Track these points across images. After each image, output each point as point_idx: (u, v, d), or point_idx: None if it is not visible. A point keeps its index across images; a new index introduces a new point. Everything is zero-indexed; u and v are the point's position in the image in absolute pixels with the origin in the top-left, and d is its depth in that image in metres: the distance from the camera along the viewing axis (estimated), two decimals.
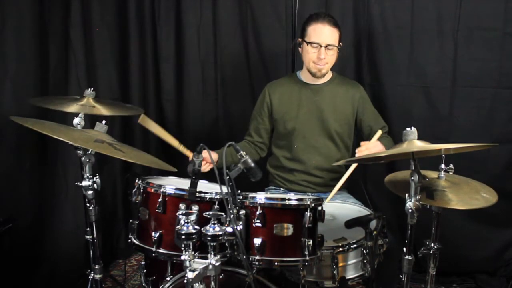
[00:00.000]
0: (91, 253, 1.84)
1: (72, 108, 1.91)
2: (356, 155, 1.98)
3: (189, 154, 2.00)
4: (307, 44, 2.15)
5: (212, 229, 1.35)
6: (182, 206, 1.46)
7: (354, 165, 2.02)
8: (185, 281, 1.31)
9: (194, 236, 1.34)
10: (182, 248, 1.34)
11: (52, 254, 2.52)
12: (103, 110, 1.92)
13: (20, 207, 2.37)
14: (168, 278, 1.76)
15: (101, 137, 1.62)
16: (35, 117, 1.92)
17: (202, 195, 1.56)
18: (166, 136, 1.95)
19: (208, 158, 1.91)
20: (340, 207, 2.06)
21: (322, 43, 2.11)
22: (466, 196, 1.61)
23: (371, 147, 2.00)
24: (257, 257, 1.47)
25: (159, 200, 1.58)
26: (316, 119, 2.26)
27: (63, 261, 2.54)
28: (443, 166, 1.68)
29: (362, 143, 2.02)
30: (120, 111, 2.05)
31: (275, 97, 2.29)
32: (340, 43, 2.18)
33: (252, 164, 1.51)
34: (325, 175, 2.28)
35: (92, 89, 2.02)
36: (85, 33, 2.70)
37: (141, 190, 1.66)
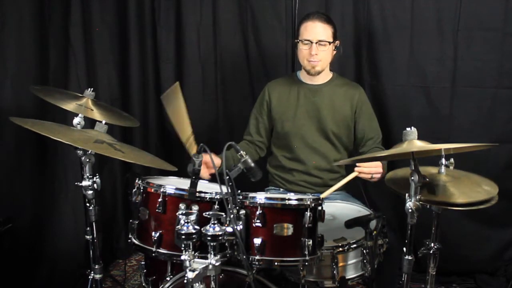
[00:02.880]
0: (91, 253, 1.84)
1: (70, 106, 1.90)
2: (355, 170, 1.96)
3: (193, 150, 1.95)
4: (299, 42, 2.16)
5: (212, 229, 1.35)
6: (182, 206, 1.46)
7: (353, 174, 1.98)
8: (185, 281, 1.31)
9: (194, 236, 1.34)
10: (182, 248, 1.34)
11: (52, 254, 2.52)
12: (99, 116, 1.91)
13: (20, 207, 2.37)
14: (168, 278, 1.76)
15: (101, 137, 1.62)
16: (35, 116, 1.92)
17: (202, 195, 1.56)
18: (182, 122, 1.84)
19: (209, 163, 1.90)
20: (340, 207, 2.06)
21: (313, 39, 2.11)
22: (468, 189, 1.61)
23: (373, 165, 1.96)
24: (257, 257, 1.47)
25: (159, 200, 1.57)
26: (314, 119, 2.25)
27: (63, 261, 2.54)
28: (443, 160, 1.67)
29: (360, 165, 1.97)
30: (117, 120, 2.03)
31: (274, 96, 2.30)
32: (336, 41, 2.18)
33: (252, 164, 1.51)
34: (324, 176, 2.27)
35: (92, 89, 2.01)
36: (85, 33, 2.70)
37: (141, 190, 1.66)
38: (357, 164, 1.97)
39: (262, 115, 2.32)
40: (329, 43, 2.14)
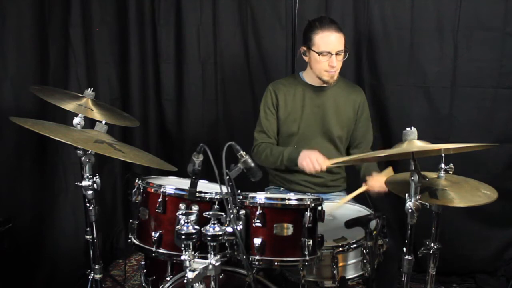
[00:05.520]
0: (91, 253, 1.84)
1: (70, 106, 1.90)
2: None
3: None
4: (318, 55, 2.12)
5: (212, 229, 1.35)
6: (182, 206, 1.46)
7: (363, 188, 2.06)
8: (185, 281, 1.31)
9: (194, 236, 1.33)
10: (182, 248, 1.34)
11: (52, 254, 2.52)
12: (99, 116, 1.90)
13: (20, 207, 2.37)
14: (168, 278, 1.76)
15: (101, 137, 1.61)
16: (35, 116, 1.92)
17: (202, 195, 1.56)
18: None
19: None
20: (340, 207, 2.06)
21: (332, 51, 2.10)
22: (468, 193, 1.62)
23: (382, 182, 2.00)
24: (257, 257, 1.47)
25: (159, 200, 1.57)
26: (319, 121, 2.25)
27: (63, 261, 2.54)
28: (442, 165, 1.68)
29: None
30: (116, 120, 2.02)
31: (281, 97, 2.27)
32: (346, 46, 2.17)
33: (252, 164, 1.51)
34: (325, 176, 2.27)
35: (91, 89, 2.01)
36: (85, 33, 2.70)
37: (141, 190, 1.66)
38: (368, 179, 2.04)
39: (273, 116, 2.28)
40: (345, 51, 2.14)
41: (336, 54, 2.11)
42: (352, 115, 2.28)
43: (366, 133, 2.32)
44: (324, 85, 2.25)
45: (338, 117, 2.25)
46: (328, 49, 2.10)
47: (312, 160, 2.02)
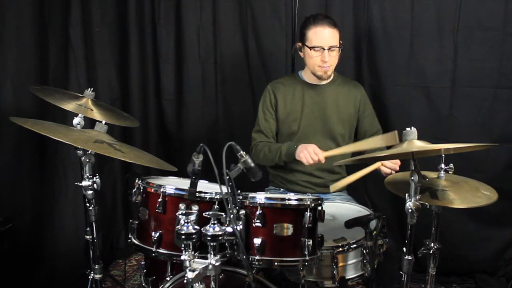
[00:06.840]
0: (91, 253, 1.84)
1: (70, 106, 1.90)
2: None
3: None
4: (310, 49, 2.13)
5: (212, 229, 1.35)
6: (182, 206, 1.47)
7: (376, 165, 2.00)
8: (185, 281, 1.31)
9: (194, 236, 1.34)
10: (182, 248, 1.34)
11: (52, 254, 2.52)
12: (99, 116, 1.90)
13: (20, 207, 2.37)
14: (168, 278, 1.76)
15: (101, 137, 1.62)
16: (35, 116, 1.92)
17: (202, 195, 1.56)
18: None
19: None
20: (340, 207, 2.06)
21: (324, 46, 2.10)
22: (468, 194, 1.62)
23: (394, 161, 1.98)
24: (257, 257, 1.47)
25: (159, 200, 1.57)
26: (319, 120, 2.25)
27: (63, 261, 2.54)
28: (442, 165, 1.68)
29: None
30: (116, 120, 2.02)
31: (280, 97, 2.27)
32: (341, 42, 2.18)
33: (252, 164, 1.51)
34: (325, 176, 2.28)
35: (91, 89, 2.01)
36: (85, 33, 2.70)
37: (141, 190, 1.66)
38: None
39: (272, 116, 2.29)
40: (339, 48, 2.14)
41: (330, 49, 2.11)
42: (353, 111, 2.28)
43: (372, 127, 2.32)
44: (323, 82, 2.25)
45: (338, 114, 2.25)
46: (320, 44, 2.10)
47: (309, 151, 2.01)
